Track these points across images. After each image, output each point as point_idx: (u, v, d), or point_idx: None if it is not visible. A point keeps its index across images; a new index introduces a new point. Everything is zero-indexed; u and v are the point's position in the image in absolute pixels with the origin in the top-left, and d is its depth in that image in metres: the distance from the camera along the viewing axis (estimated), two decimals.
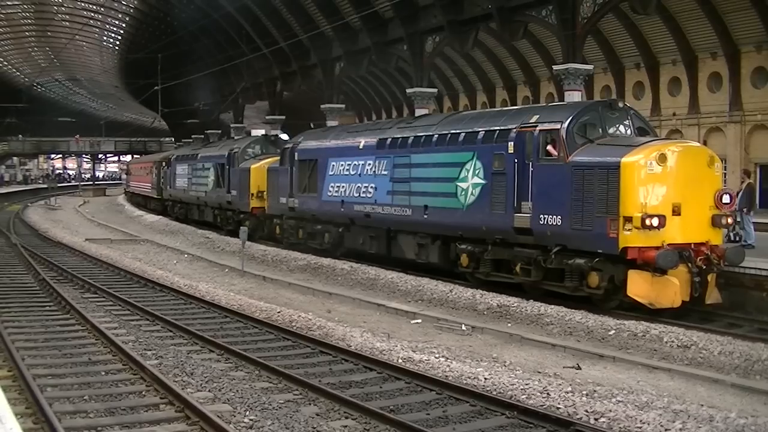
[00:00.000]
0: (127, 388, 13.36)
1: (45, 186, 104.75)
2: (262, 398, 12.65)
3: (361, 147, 30.10)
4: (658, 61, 52.30)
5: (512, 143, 22.52)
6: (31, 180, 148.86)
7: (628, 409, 12.16)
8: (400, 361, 15.44)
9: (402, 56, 48.23)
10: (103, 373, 14.32)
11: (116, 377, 14.05)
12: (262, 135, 50.23)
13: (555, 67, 36.26)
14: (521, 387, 13.37)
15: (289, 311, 20.66)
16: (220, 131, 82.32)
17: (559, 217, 20.85)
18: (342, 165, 31.05)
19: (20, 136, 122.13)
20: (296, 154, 34.84)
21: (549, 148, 21.58)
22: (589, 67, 36.49)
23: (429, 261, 26.73)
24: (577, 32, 33.72)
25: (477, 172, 23.76)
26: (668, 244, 19.26)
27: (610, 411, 11.97)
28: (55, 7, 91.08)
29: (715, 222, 20.23)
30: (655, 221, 19.10)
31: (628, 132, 22.01)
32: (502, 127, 23.32)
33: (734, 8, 45.01)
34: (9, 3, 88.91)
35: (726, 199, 20.40)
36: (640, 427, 11.32)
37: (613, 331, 18.42)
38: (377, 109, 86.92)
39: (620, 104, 22.73)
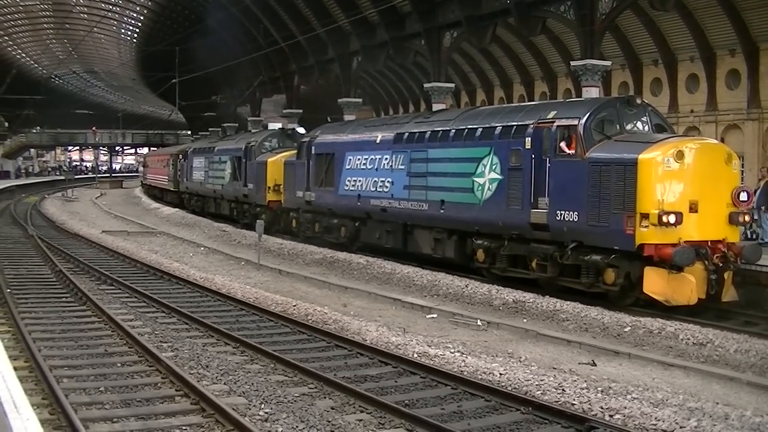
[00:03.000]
0: (142, 380, 13.41)
1: (62, 178, 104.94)
2: (278, 391, 12.68)
3: (378, 141, 30.11)
4: (676, 57, 52.02)
5: (529, 139, 22.51)
6: (48, 171, 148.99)
7: (644, 406, 12.14)
8: (415, 355, 15.46)
9: (419, 51, 48.13)
10: (119, 365, 14.37)
11: (132, 369, 14.10)
12: (279, 128, 50.15)
13: (573, 63, 36.17)
14: (536, 383, 13.38)
15: (304, 305, 20.70)
16: (237, 124, 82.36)
17: (576, 213, 20.84)
18: (359, 159, 31.08)
19: (38, 128, 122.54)
20: (313, 147, 34.87)
21: (562, 145, 21.55)
22: (607, 63, 36.37)
23: (445, 256, 26.73)
24: (595, 28, 33.60)
25: (494, 167, 23.75)
26: (685, 242, 19.22)
27: (625, 408, 11.96)
28: (74, 0, 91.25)
29: (732, 219, 20.18)
30: (672, 218, 19.05)
31: (646, 129, 21.96)
32: (519, 123, 23.31)
33: (753, 5, 44.71)
34: None
35: (743, 196, 20.34)
36: (655, 425, 11.31)
37: (629, 328, 18.40)
38: (394, 103, 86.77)
39: (638, 101, 22.69)
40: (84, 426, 10.52)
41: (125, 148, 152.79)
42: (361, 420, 11.65)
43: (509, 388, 13.13)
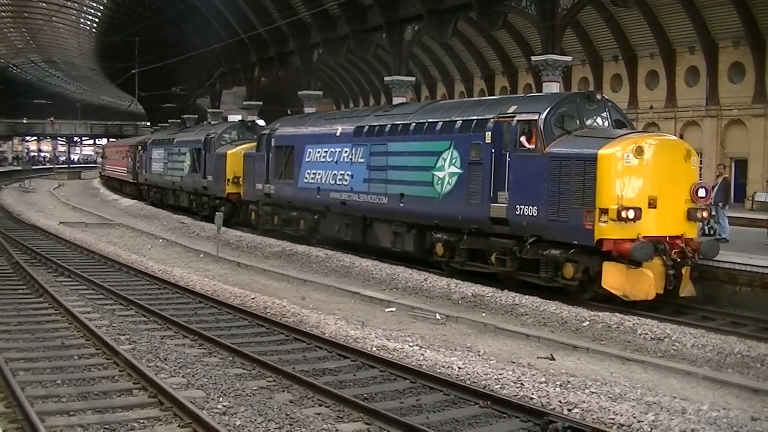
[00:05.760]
0: (100, 372, 13.30)
1: (19, 168, 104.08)
2: (236, 385, 12.64)
3: (338, 134, 30.06)
4: (636, 54, 52.47)
5: (490, 133, 22.52)
6: (12, 162, 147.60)
7: (602, 401, 12.20)
8: (374, 349, 15.44)
9: (381, 44, 48.16)
10: (76, 358, 14.23)
11: (89, 362, 13.96)
12: (239, 120, 50.05)
13: (534, 58, 36.31)
14: (495, 377, 13.39)
15: (263, 297, 20.64)
16: (196, 116, 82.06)
17: (535, 207, 20.88)
18: (319, 152, 31.01)
19: None
20: (273, 140, 34.77)
21: (522, 139, 21.59)
22: (568, 58, 36.52)
23: (404, 249, 26.72)
24: (556, 23, 33.74)
25: (454, 161, 23.76)
26: (644, 237, 19.33)
27: (584, 402, 12.00)
28: None
29: (691, 215, 20.30)
30: (630, 213, 19.14)
31: (606, 124, 22.04)
32: (479, 117, 23.32)
33: (712, 3, 45.19)
34: None
35: (702, 192, 20.47)
36: (613, 419, 11.36)
37: (588, 323, 18.48)
38: (355, 96, 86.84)
39: (598, 96, 22.74)
40: (40, 419, 10.42)
41: (84, 138, 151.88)
42: (319, 413, 11.61)
43: (468, 382, 13.14)
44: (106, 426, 10.74)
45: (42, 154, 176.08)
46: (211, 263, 29.28)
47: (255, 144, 37.32)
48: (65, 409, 11.29)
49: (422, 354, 15.12)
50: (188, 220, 42.17)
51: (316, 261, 28.45)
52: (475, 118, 23.48)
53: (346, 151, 29.18)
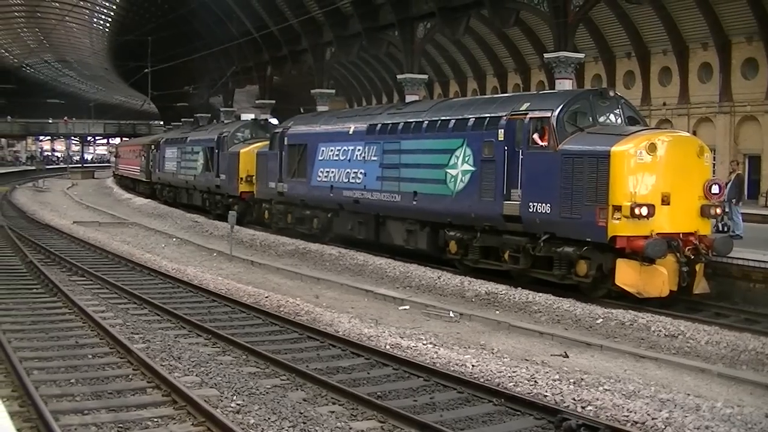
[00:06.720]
0: (113, 371, 13.32)
1: (33, 168, 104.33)
2: (250, 383, 12.64)
3: (350, 132, 30.04)
4: (649, 50, 52.36)
5: (502, 130, 22.48)
6: (26, 161, 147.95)
7: (615, 398, 12.18)
8: (387, 347, 15.45)
9: (393, 42, 48.16)
10: (90, 357, 14.26)
11: (103, 361, 13.99)
12: (252, 119, 50.06)
13: (546, 55, 36.28)
14: (509, 374, 13.38)
15: (276, 296, 20.66)
16: (209, 115, 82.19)
17: (549, 205, 20.84)
18: (332, 150, 31.00)
19: (8, 117, 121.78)
20: (286, 138, 34.77)
21: (535, 137, 21.56)
22: (581, 55, 36.49)
23: (417, 247, 26.70)
24: (568, 20, 33.70)
25: (467, 158, 23.73)
26: (657, 234, 19.27)
27: (597, 399, 11.99)
28: None
29: (704, 212, 20.23)
30: (644, 210, 19.09)
31: (619, 121, 21.99)
32: (492, 115, 23.28)
33: None
34: None
35: (715, 189, 20.40)
36: (627, 416, 11.34)
37: (601, 320, 18.44)
38: (367, 94, 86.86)
39: (611, 93, 22.69)
40: (54, 418, 10.44)
41: (97, 138, 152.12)
42: (333, 412, 11.62)
43: (482, 380, 13.14)
44: (120, 425, 10.77)
45: (56, 154, 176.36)
46: (225, 262, 29.32)
47: (268, 142, 37.31)
48: (79, 408, 11.32)
49: (436, 352, 15.11)
50: (201, 219, 42.20)
51: (329, 259, 28.45)
52: (488, 115, 23.46)
53: (359, 150, 29.17)
